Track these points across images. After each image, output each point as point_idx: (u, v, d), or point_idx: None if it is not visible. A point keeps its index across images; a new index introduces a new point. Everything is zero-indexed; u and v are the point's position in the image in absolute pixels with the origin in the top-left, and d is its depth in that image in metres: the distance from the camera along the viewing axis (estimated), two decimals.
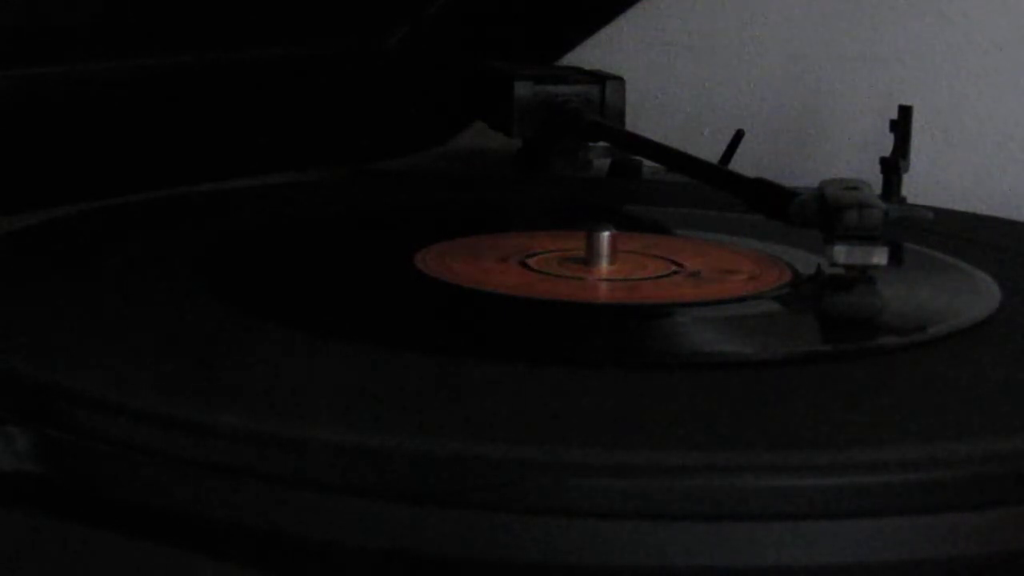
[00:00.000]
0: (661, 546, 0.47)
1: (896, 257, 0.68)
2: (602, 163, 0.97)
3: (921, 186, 0.86)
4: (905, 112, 0.81)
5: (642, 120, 1.01)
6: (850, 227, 0.66)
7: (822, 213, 0.67)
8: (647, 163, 0.94)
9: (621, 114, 0.96)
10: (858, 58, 1.00)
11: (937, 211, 0.77)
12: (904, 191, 0.80)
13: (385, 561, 0.47)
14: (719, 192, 0.78)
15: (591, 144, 0.95)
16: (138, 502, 0.50)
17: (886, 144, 0.81)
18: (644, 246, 0.75)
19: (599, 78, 0.96)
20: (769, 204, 0.72)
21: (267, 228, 0.79)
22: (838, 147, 1.00)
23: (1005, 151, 0.96)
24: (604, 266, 0.71)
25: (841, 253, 0.66)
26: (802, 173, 0.97)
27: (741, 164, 0.90)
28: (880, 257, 0.66)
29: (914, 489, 0.48)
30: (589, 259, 0.71)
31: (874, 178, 0.78)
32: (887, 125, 0.81)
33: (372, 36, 0.98)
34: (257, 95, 0.94)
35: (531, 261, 0.72)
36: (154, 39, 0.85)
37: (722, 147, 0.94)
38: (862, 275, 0.67)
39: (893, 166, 0.80)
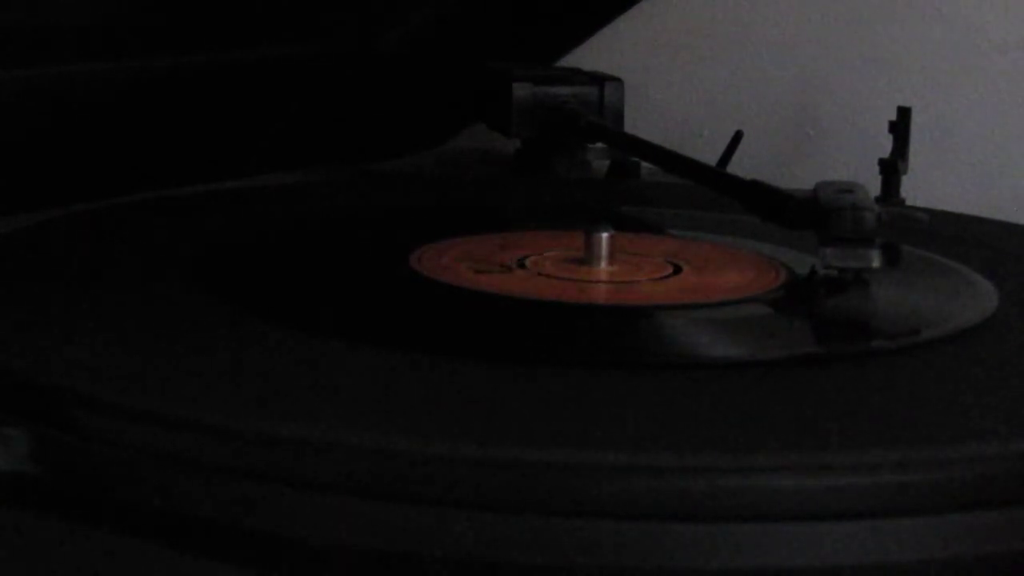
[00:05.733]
0: (656, 548, 0.47)
1: (893, 259, 0.68)
2: (601, 164, 0.97)
3: (920, 188, 0.87)
4: (904, 114, 0.81)
5: (641, 121, 1.02)
6: (843, 230, 0.66)
7: (816, 215, 0.67)
8: (645, 164, 0.94)
9: (620, 115, 0.96)
10: (857, 59, 1.00)
11: (935, 213, 0.77)
12: (903, 193, 0.81)
13: (383, 562, 0.47)
14: (718, 193, 0.78)
15: (589, 145, 0.95)
16: (136, 503, 0.50)
17: (885, 146, 0.81)
18: (642, 247, 0.75)
19: (598, 79, 0.97)
20: (764, 206, 0.72)
21: (265, 228, 0.79)
22: (837, 149, 1.00)
23: (1004, 153, 0.96)
24: (602, 267, 0.71)
25: (834, 255, 0.67)
26: (801, 174, 0.97)
27: (740, 165, 0.90)
28: (873, 260, 0.66)
29: (911, 491, 0.48)
30: (587, 260, 0.71)
31: (873, 180, 0.78)
32: (886, 126, 0.82)
33: (371, 36, 0.98)
34: (254, 95, 0.94)
35: (529, 262, 0.72)
36: (153, 39, 0.85)
37: (721, 148, 0.94)
38: (856, 277, 0.67)
39: (892, 167, 0.80)
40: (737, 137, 0.94)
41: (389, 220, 0.83)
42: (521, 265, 0.71)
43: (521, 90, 0.95)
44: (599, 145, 0.95)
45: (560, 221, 0.79)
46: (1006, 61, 0.96)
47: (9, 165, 0.82)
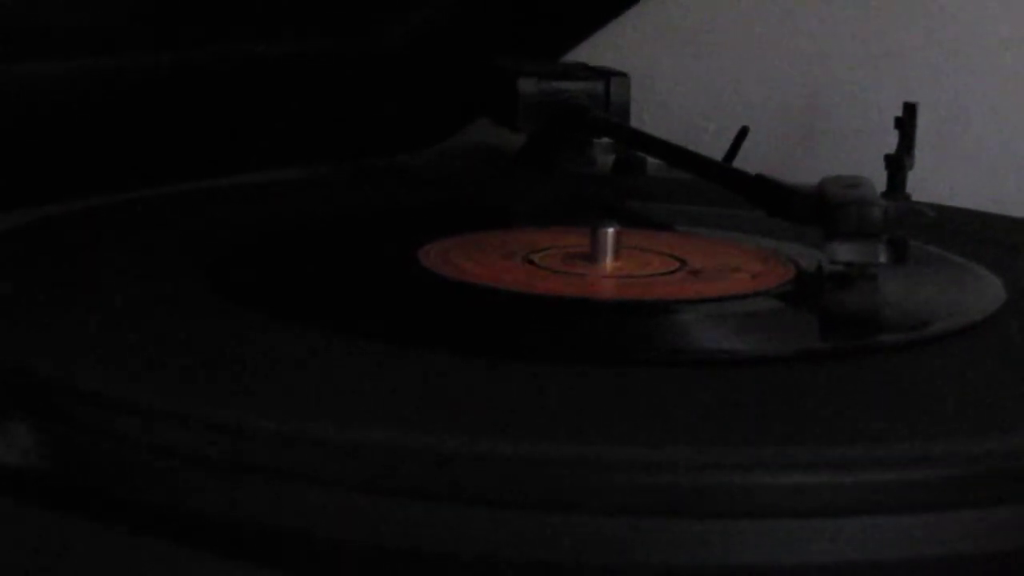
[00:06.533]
0: (660, 544, 0.47)
1: (900, 254, 0.68)
2: (606, 159, 0.97)
3: (926, 184, 0.86)
4: (910, 109, 0.81)
5: (647, 116, 1.02)
6: (849, 225, 0.66)
7: (822, 210, 0.67)
8: (651, 159, 0.94)
9: (626, 110, 0.96)
10: (863, 54, 1.00)
11: (942, 208, 0.77)
12: (908, 189, 0.80)
13: (385, 560, 0.47)
14: (723, 188, 0.78)
15: (595, 140, 0.95)
16: (141, 499, 0.50)
17: (891, 141, 0.81)
18: (648, 243, 0.75)
19: (604, 74, 0.96)
20: (770, 201, 0.72)
21: (270, 225, 0.79)
22: (843, 144, 1.00)
23: (1011, 148, 0.96)
24: (608, 263, 0.71)
25: (840, 251, 0.67)
26: (807, 170, 0.97)
27: (746, 161, 0.90)
28: (880, 255, 0.66)
29: (916, 487, 0.48)
30: (593, 256, 0.71)
31: (879, 176, 0.78)
32: (892, 122, 0.81)
33: (375, 32, 0.98)
34: (258, 92, 0.94)
35: (535, 257, 0.72)
36: (153, 37, 0.85)
37: (726, 144, 0.94)
38: (862, 273, 0.67)
39: (898, 163, 0.80)
40: (743, 132, 0.94)
41: (395, 216, 0.83)
42: (527, 261, 0.71)
43: (527, 85, 0.95)
44: (605, 140, 0.95)
45: (566, 217, 0.79)
46: (1012, 57, 0.96)
47: (9, 163, 0.82)
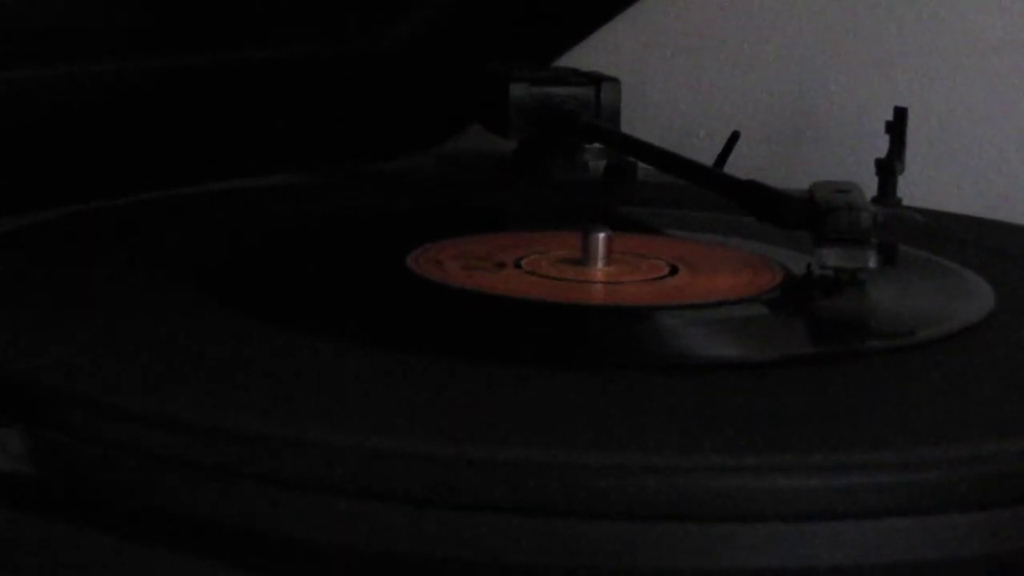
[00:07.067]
0: (653, 548, 0.47)
1: (889, 259, 0.69)
2: (597, 164, 0.97)
3: (916, 188, 0.87)
4: (900, 114, 0.81)
5: (637, 121, 1.02)
6: (839, 230, 0.66)
7: (812, 215, 0.67)
8: (642, 164, 0.94)
9: (616, 116, 0.96)
10: (854, 60, 1.00)
11: (932, 213, 0.77)
12: (899, 193, 0.81)
13: (380, 563, 0.47)
14: (714, 194, 0.78)
15: (586, 146, 0.95)
16: (133, 504, 0.50)
17: (881, 146, 0.81)
18: (639, 247, 0.75)
19: (595, 80, 0.96)
20: (761, 206, 0.72)
21: (262, 229, 0.79)
22: (833, 149, 1.00)
23: (1001, 153, 0.97)
24: (599, 267, 0.71)
25: (830, 256, 0.67)
26: (797, 175, 0.97)
27: (736, 166, 0.90)
28: (869, 260, 0.67)
29: (908, 491, 0.49)
30: (584, 260, 0.71)
31: (870, 180, 0.78)
32: (882, 127, 0.82)
33: (368, 37, 0.98)
34: (252, 96, 0.94)
35: (526, 262, 0.72)
36: (153, 40, 0.85)
37: (717, 149, 0.94)
38: (852, 278, 0.67)
39: (888, 168, 0.80)
40: (734, 137, 0.94)
41: (387, 220, 0.83)
42: (518, 266, 0.72)
43: (518, 90, 0.95)
44: (596, 145, 0.95)
45: (557, 222, 0.80)
46: (1002, 61, 0.96)
47: (9, 165, 0.82)
